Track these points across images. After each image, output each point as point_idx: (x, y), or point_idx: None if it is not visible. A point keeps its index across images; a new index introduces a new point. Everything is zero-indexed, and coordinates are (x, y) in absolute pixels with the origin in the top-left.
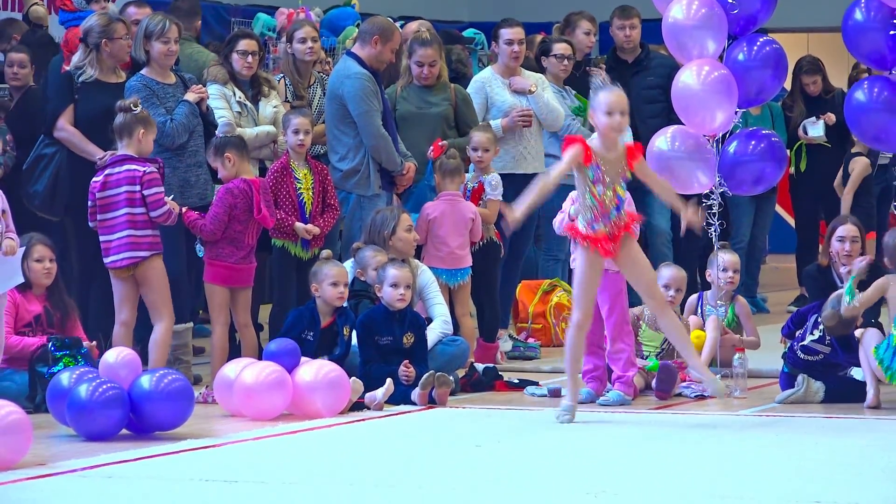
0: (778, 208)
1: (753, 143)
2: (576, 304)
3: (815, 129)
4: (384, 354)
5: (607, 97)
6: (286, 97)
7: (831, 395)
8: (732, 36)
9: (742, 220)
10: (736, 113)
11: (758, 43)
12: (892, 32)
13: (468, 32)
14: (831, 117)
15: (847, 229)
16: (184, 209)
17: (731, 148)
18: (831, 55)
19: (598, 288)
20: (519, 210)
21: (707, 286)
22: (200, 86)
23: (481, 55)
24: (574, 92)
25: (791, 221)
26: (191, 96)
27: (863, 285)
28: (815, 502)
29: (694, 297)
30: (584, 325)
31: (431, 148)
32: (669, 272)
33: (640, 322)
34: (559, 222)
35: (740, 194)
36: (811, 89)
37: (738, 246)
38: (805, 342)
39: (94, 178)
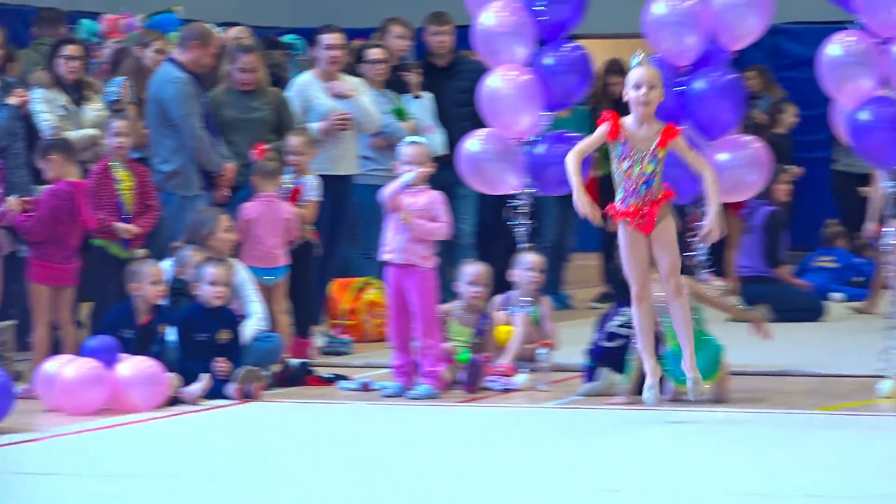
0: None
1: (561, 145)
2: (631, 278)
3: None
4: (201, 350)
5: (635, 71)
6: (130, 99)
7: (634, 388)
8: (542, 41)
9: (548, 220)
10: (544, 116)
11: (565, 48)
12: (675, 89)
13: (288, 38)
14: None
15: None
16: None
17: (540, 150)
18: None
19: (409, 285)
20: (586, 203)
21: (511, 286)
22: (22, 90)
23: (300, 60)
24: (392, 95)
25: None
26: (13, 100)
27: None
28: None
29: (501, 295)
30: (643, 297)
31: (254, 152)
32: (473, 269)
33: (449, 318)
34: (389, 192)
35: (547, 195)
36: (615, 90)
37: (545, 245)
38: (609, 329)
39: None
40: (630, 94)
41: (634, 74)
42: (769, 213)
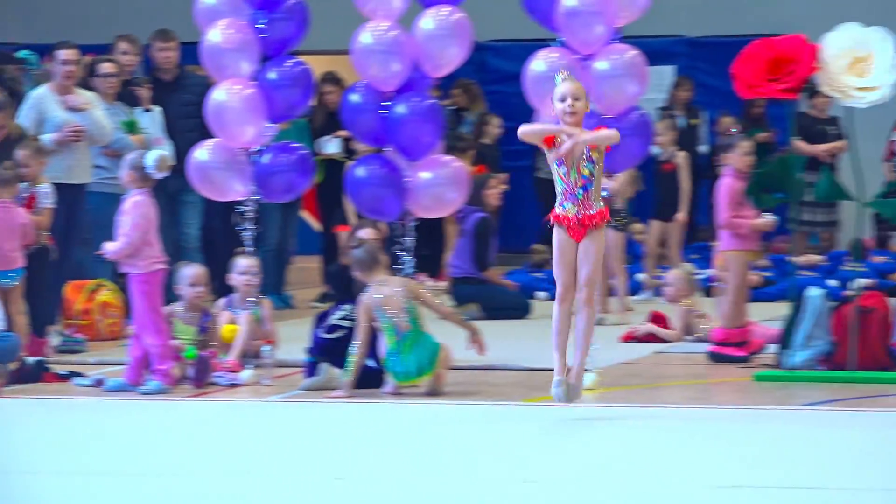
0: (304, 214)
1: (285, 155)
2: (558, 280)
3: (330, 147)
4: None
5: (561, 86)
6: None
7: (353, 382)
8: (266, 57)
9: (271, 225)
10: (268, 127)
11: (287, 64)
12: (381, 114)
13: (22, 53)
14: (346, 132)
15: (367, 232)
16: None
17: (265, 159)
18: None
19: (132, 288)
20: (562, 128)
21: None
22: None
23: (35, 74)
24: (124, 108)
25: (315, 226)
26: None
27: None
28: None
29: (224, 298)
30: (567, 298)
31: None
32: (192, 271)
33: (174, 318)
34: None
35: (272, 201)
36: (329, 98)
37: (268, 248)
38: (330, 322)
39: None
40: (557, 107)
41: (560, 89)
42: (479, 219)
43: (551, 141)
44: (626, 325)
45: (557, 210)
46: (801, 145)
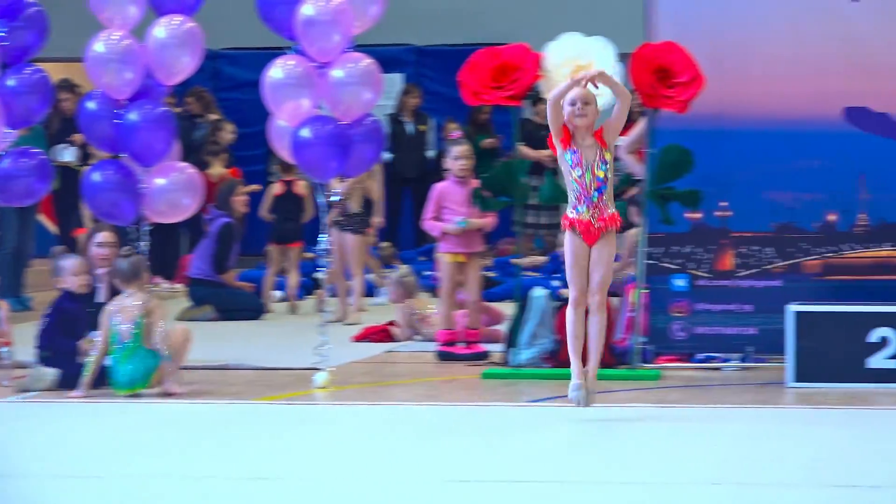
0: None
1: (24, 160)
2: (571, 284)
3: (66, 154)
4: None
5: (571, 92)
6: None
7: (66, 380)
8: (5, 65)
9: (9, 228)
10: (8, 133)
11: (26, 71)
12: (116, 121)
13: None
14: (80, 138)
15: (104, 236)
16: None
17: (5, 164)
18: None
19: None
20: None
21: None
22: None
23: None
24: None
25: (52, 229)
26: None
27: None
28: None
29: None
30: (581, 302)
31: None
32: None
33: None
34: None
35: (10, 205)
36: (65, 106)
37: (5, 251)
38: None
39: None
40: (567, 110)
41: (570, 94)
42: (224, 224)
43: (568, 140)
44: (359, 324)
45: (570, 214)
46: (525, 150)
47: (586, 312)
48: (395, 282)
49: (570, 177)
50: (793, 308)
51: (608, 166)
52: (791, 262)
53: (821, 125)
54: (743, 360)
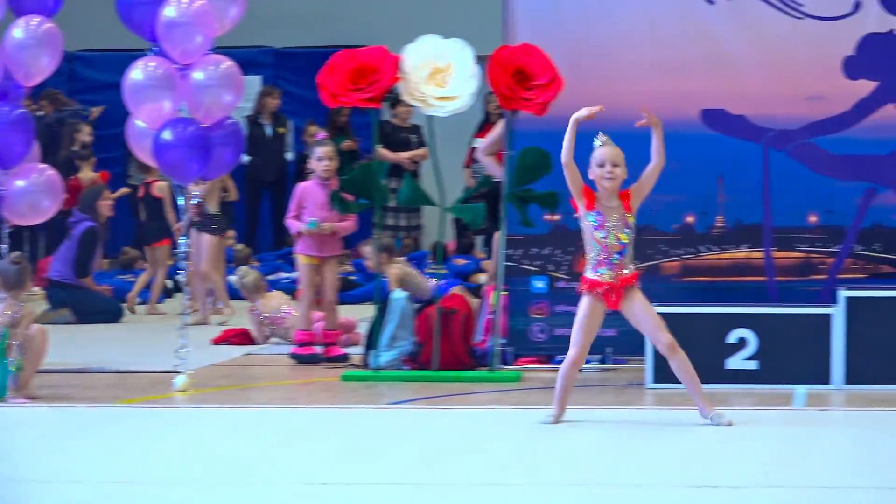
0: None
1: None
2: (574, 341)
3: None
4: None
5: (598, 151)
6: None
7: None
8: None
9: None
10: None
11: None
12: None
13: None
14: None
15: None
16: None
17: None
18: None
19: None
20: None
21: None
22: None
23: None
24: None
25: None
26: None
27: None
28: None
29: None
30: (579, 363)
31: None
32: None
33: None
34: None
35: None
36: None
37: None
38: None
39: None
40: (595, 172)
41: (598, 154)
42: (87, 228)
43: (592, 203)
44: (227, 325)
45: (590, 275)
46: (384, 153)
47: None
48: (242, 284)
49: (593, 237)
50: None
51: (631, 231)
52: (650, 263)
53: (679, 127)
54: (602, 362)
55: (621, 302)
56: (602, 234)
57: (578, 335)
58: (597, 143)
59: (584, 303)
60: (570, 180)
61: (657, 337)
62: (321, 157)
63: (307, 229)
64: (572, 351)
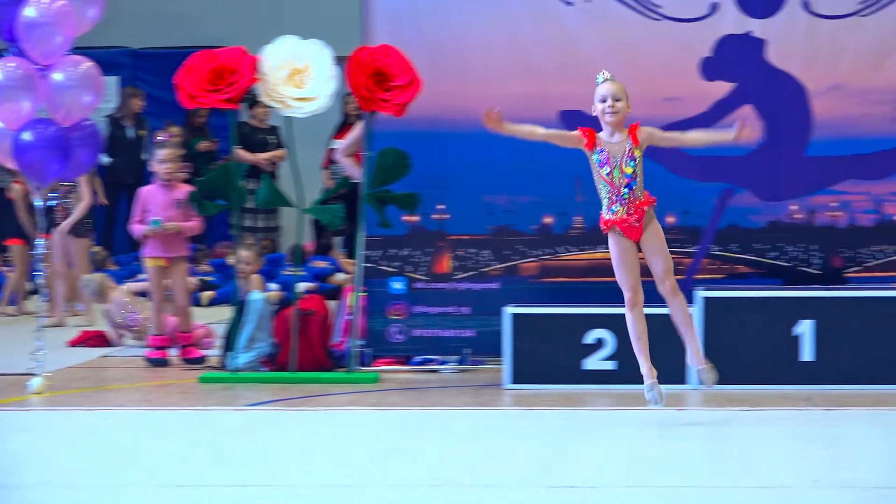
0: None
1: None
2: (623, 286)
3: None
4: None
5: (601, 87)
6: None
7: None
8: None
9: None
10: None
11: None
12: None
13: None
14: None
15: None
16: None
17: None
18: None
19: None
20: (503, 124)
21: None
22: None
23: None
24: None
25: None
26: None
27: None
28: None
29: None
30: (636, 302)
31: None
32: None
33: None
34: None
35: None
36: None
37: None
38: None
39: None
40: (598, 107)
41: (600, 90)
42: None
43: (592, 142)
44: (91, 326)
45: (606, 216)
46: (242, 154)
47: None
48: (87, 288)
49: (600, 176)
50: (509, 310)
51: (636, 162)
52: (508, 264)
53: None
54: (461, 363)
55: (641, 234)
56: (607, 170)
57: (623, 276)
58: (599, 78)
59: (612, 243)
60: (560, 144)
61: (662, 279)
62: (162, 160)
63: (151, 230)
64: (626, 295)
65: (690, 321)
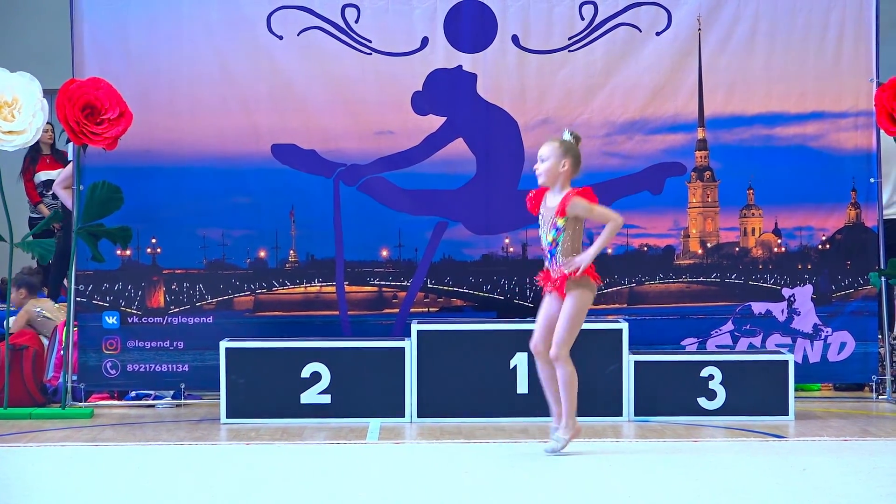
0: None
1: None
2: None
3: None
4: None
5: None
6: None
7: None
8: None
9: None
10: None
11: None
12: None
13: None
14: None
15: None
16: None
17: None
18: None
19: None
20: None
21: None
22: None
23: None
24: None
25: None
26: None
27: None
28: None
29: None
30: (537, 352)
31: None
32: None
33: None
34: None
35: None
36: None
37: None
38: None
39: None
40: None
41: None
42: None
43: (536, 206)
44: None
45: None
46: None
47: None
48: None
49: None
50: (224, 344)
51: (558, 231)
52: (222, 298)
53: (251, 162)
54: (176, 397)
55: (563, 295)
56: (541, 233)
57: (536, 323)
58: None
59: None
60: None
61: (554, 347)
62: None
63: None
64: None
65: (569, 392)
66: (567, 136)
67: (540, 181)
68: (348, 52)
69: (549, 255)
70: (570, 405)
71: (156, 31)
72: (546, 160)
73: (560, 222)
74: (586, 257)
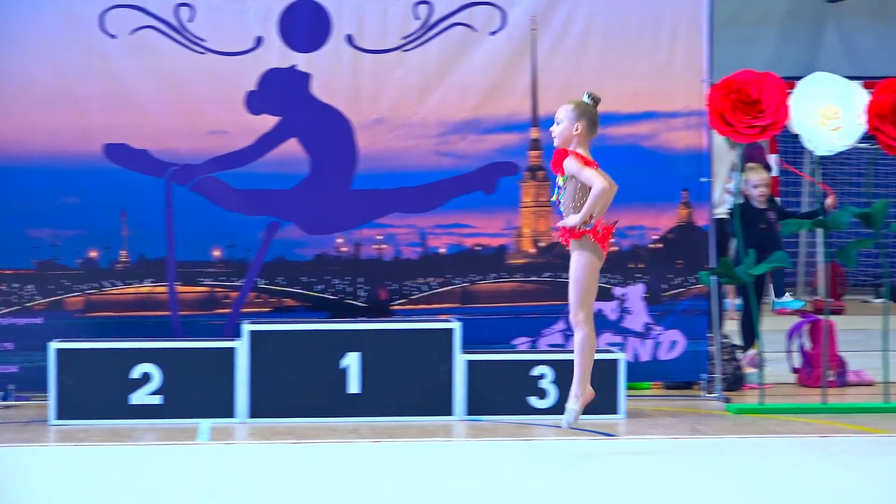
0: None
1: None
2: None
3: None
4: None
5: None
6: None
7: None
8: None
9: None
10: None
11: None
12: None
13: None
14: None
15: None
16: None
17: None
18: None
19: None
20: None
21: None
22: None
23: None
24: None
25: None
26: None
27: None
28: None
29: None
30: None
31: None
32: None
33: None
34: None
35: None
36: None
37: None
38: None
39: None
40: None
41: None
42: None
43: (556, 165)
44: None
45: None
46: None
47: None
48: None
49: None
50: (54, 345)
51: (558, 191)
52: (52, 298)
53: (82, 162)
54: (5, 399)
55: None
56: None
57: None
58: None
59: None
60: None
61: (571, 309)
62: None
63: None
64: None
65: (586, 358)
66: (586, 98)
67: (555, 143)
68: (182, 51)
69: (558, 212)
70: (581, 370)
71: None
72: (560, 122)
73: (560, 181)
74: (571, 219)
